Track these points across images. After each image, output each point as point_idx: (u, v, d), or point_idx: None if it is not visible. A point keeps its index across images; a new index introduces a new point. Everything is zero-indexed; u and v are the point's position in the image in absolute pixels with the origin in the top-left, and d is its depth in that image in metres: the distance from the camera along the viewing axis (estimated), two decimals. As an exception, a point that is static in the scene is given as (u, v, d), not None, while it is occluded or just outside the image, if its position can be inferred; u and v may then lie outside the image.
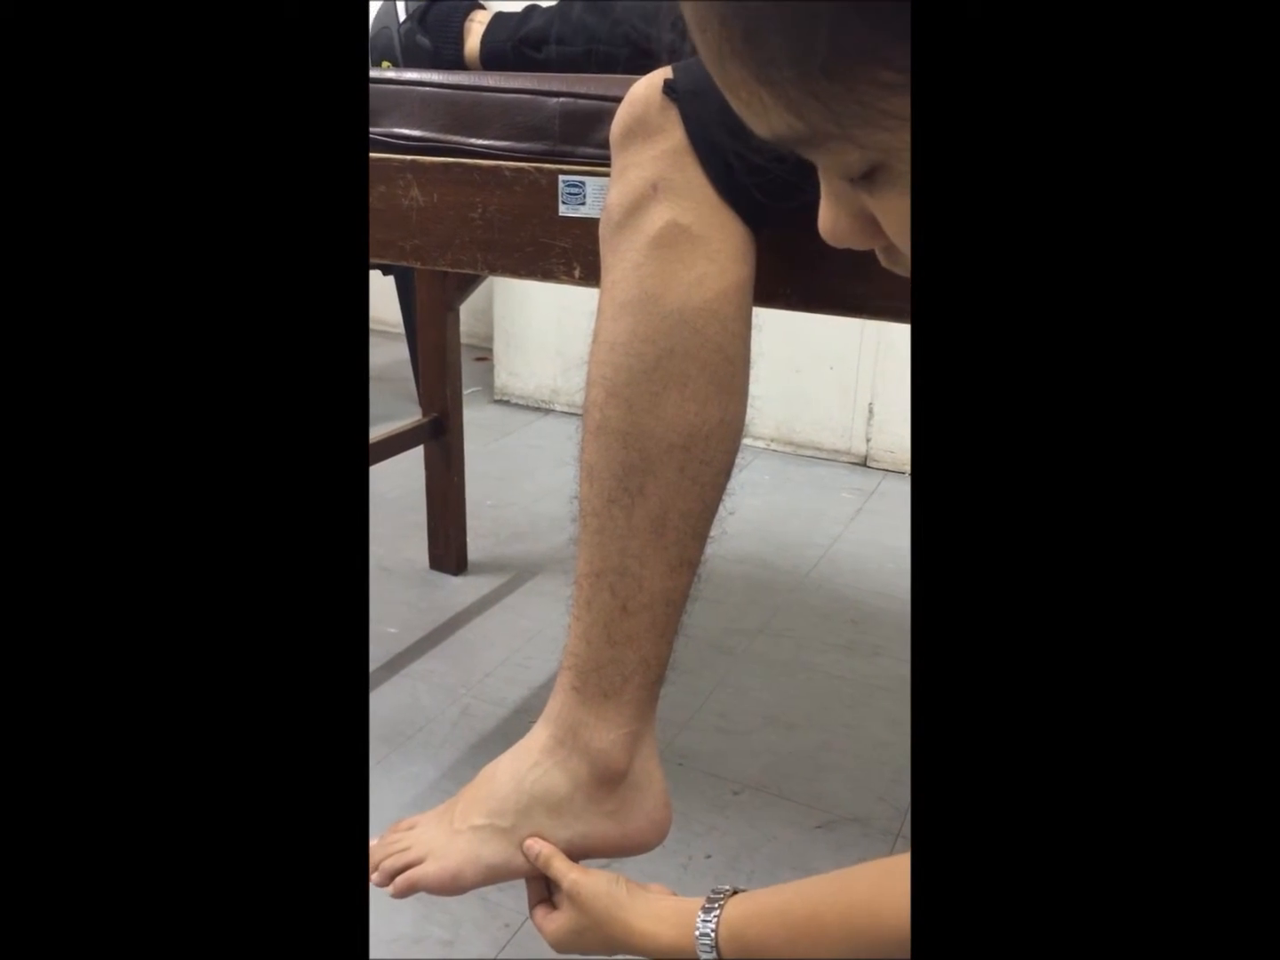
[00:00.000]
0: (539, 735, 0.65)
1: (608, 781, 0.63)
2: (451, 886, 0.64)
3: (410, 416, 1.48)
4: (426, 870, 0.64)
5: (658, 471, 0.58)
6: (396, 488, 1.78)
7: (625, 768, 0.63)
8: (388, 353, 2.62)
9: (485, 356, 2.55)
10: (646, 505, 0.58)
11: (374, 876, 0.66)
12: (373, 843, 0.69)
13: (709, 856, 0.96)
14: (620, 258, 0.58)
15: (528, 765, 0.64)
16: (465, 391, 1.47)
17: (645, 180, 0.57)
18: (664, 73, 0.57)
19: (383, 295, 2.44)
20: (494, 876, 0.64)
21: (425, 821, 0.68)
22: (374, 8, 0.99)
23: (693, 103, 0.56)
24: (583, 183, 0.68)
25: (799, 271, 0.63)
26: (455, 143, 0.74)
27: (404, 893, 0.65)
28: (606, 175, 0.66)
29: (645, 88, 0.57)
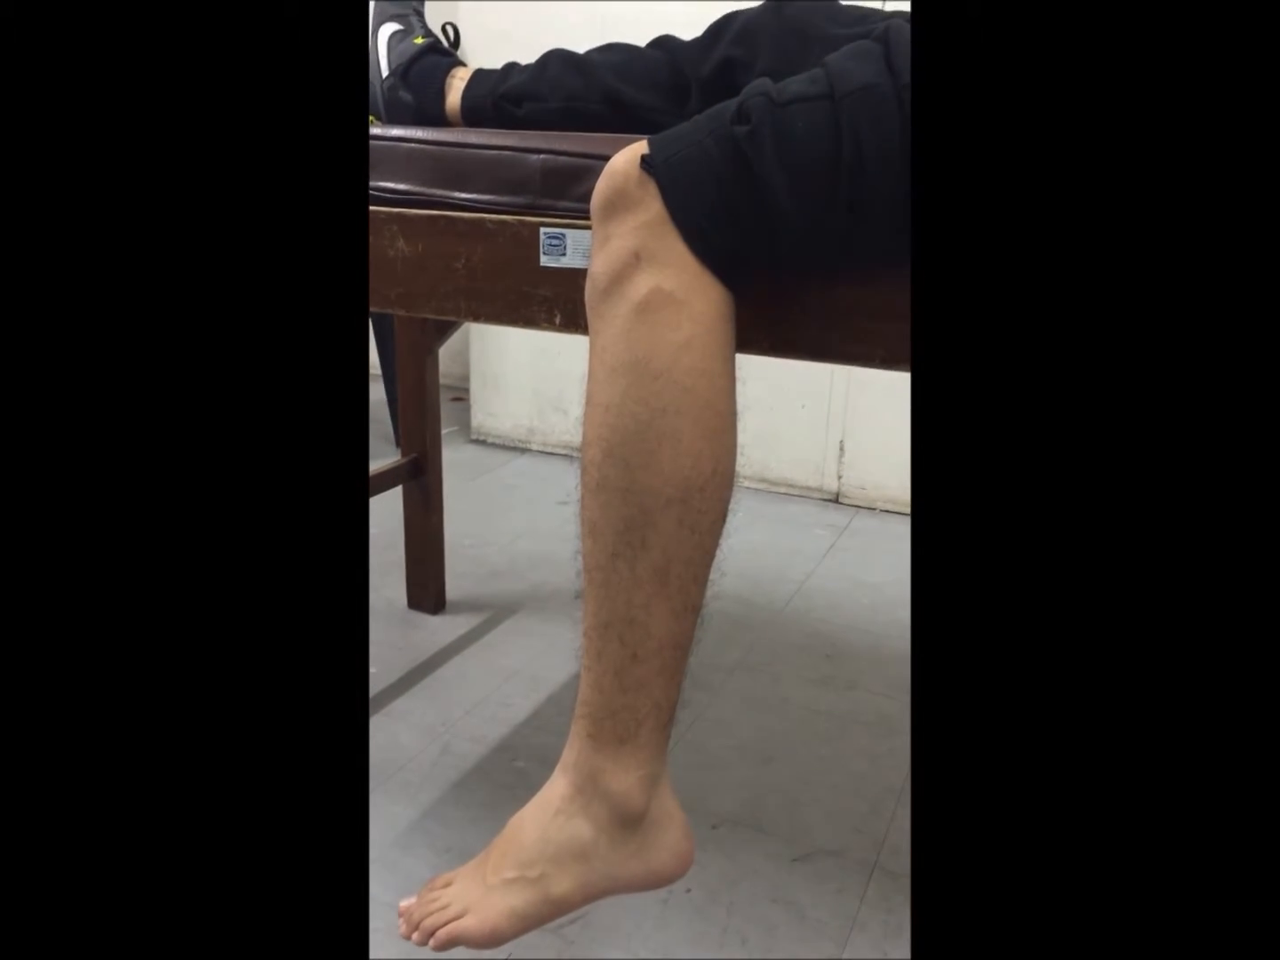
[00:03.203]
0: (558, 784, 0.67)
1: (629, 823, 0.65)
2: (490, 941, 0.67)
3: (389, 457, 1.50)
4: (466, 925, 0.67)
5: (658, 524, 0.60)
6: (375, 527, 1.79)
7: (645, 808, 0.65)
8: (364, 393, 2.63)
9: (461, 397, 2.57)
10: (649, 557, 0.61)
11: (414, 935, 0.69)
12: (410, 901, 0.71)
13: (689, 891, 0.97)
14: (608, 323, 0.61)
15: (550, 814, 0.66)
16: (443, 432, 1.49)
17: (628, 250, 0.59)
18: (640, 147, 0.60)
19: (359, 337, 2.45)
20: (529, 926, 0.67)
21: (460, 877, 0.70)
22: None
23: (669, 175, 0.59)
24: (563, 235, 0.71)
25: (770, 321, 0.67)
26: (440, 196, 0.76)
27: (445, 946, 0.68)
28: (586, 228, 0.68)
29: (623, 162, 0.60)
